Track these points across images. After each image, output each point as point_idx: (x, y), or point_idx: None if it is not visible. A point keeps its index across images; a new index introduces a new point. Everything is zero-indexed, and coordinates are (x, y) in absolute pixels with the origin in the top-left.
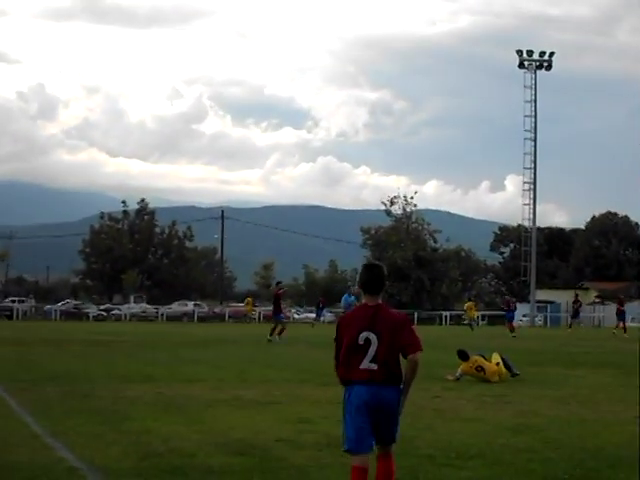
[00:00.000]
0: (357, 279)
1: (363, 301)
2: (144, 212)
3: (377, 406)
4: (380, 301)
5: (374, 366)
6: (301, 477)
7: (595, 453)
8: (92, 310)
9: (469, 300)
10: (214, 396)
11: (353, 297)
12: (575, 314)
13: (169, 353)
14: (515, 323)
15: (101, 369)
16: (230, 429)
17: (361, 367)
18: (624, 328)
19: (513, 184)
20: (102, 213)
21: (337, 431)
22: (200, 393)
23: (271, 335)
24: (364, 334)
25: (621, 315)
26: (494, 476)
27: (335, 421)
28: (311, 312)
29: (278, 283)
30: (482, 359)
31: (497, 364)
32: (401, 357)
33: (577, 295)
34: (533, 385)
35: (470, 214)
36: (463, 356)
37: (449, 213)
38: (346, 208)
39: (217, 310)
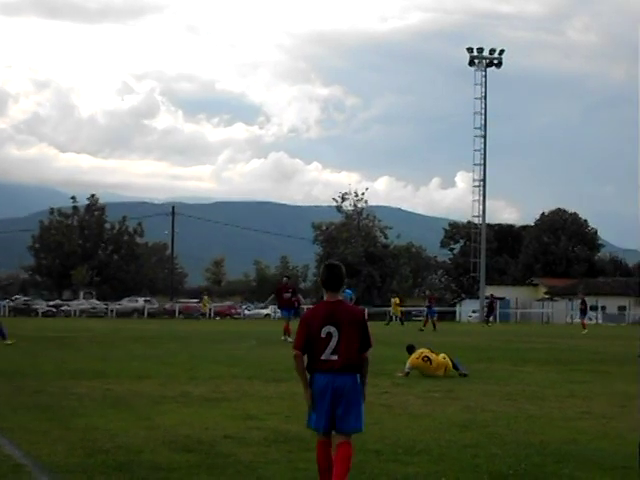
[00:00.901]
0: (319, 277)
1: (325, 297)
2: (94, 208)
3: (336, 392)
4: (340, 297)
5: (334, 357)
6: (248, 473)
7: (540, 449)
8: (41, 306)
9: (395, 296)
10: (162, 392)
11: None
12: (582, 313)
13: (119, 349)
14: (465, 319)
15: (50, 365)
16: (177, 425)
17: (322, 358)
18: (584, 324)
19: (463, 181)
20: (52, 209)
21: (285, 427)
22: (148, 390)
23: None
24: (326, 328)
25: (583, 312)
26: (440, 472)
27: (283, 417)
28: (262, 308)
29: (286, 277)
30: (429, 351)
31: (444, 358)
32: None
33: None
34: (481, 381)
35: (421, 211)
36: (411, 350)
37: (400, 209)
38: (298, 204)
39: (167, 306)
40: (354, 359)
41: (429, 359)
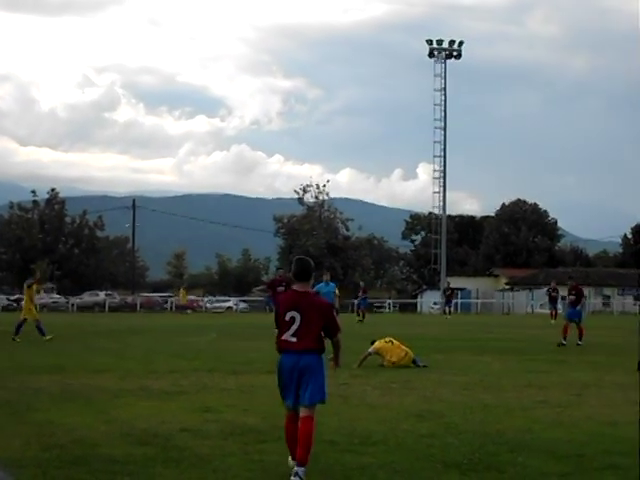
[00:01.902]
0: (291, 270)
1: (294, 287)
2: (54, 202)
3: (295, 369)
4: (308, 288)
5: (293, 339)
6: (203, 465)
7: (496, 438)
8: (1, 300)
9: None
10: (121, 386)
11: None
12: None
13: (78, 343)
14: (426, 310)
15: (8, 360)
16: (135, 419)
17: (283, 338)
18: (554, 314)
19: (425, 172)
20: (11, 203)
21: (242, 420)
22: (107, 384)
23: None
24: (290, 313)
25: (553, 302)
26: (394, 462)
27: (241, 410)
28: (225, 301)
29: (281, 269)
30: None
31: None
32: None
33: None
34: (439, 371)
35: (383, 202)
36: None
37: (362, 202)
38: (260, 197)
39: (129, 300)
40: (313, 342)
41: (392, 341)
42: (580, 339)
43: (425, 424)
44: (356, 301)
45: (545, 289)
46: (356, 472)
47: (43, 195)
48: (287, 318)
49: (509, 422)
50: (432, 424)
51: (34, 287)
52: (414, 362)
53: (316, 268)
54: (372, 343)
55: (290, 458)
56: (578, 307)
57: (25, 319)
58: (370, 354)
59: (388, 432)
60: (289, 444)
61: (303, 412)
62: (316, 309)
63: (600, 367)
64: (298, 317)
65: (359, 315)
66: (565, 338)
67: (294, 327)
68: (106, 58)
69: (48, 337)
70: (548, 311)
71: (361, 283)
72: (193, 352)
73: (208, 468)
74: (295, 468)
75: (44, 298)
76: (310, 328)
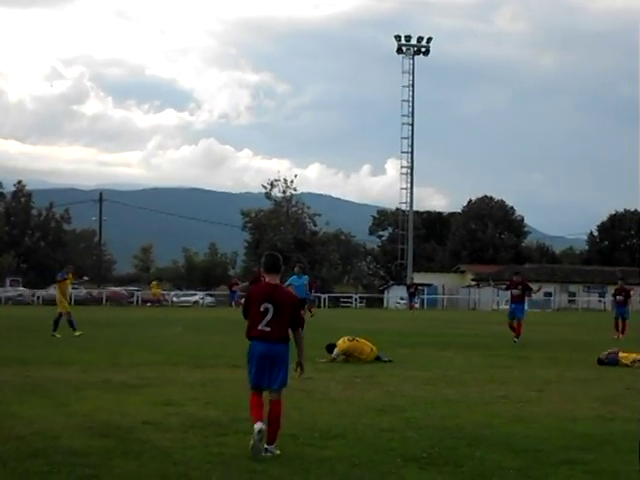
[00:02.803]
0: (262, 264)
1: (266, 279)
2: (21, 194)
3: (268, 356)
4: (278, 281)
5: (268, 328)
6: (163, 458)
7: (455, 432)
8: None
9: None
10: (83, 379)
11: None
12: None
13: (42, 336)
14: (392, 305)
15: None
16: (96, 412)
17: (259, 328)
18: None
19: (394, 168)
20: None
21: (204, 413)
22: (69, 376)
23: None
24: (264, 304)
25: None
26: (354, 455)
27: (203, 403)
28: (192, 295)
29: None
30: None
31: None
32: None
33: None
34: (403, 366)
35: (351, 198)
36: (331, 349)
37: (331, 197)
38: (228, 191)
39: (95, 293)
40: (284, 332)
41: (354, 338)
42: (518, 337)
43: (386, 418)
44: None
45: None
46: (315, 465)
47: (9, 187)
48: (261, 309)
49: (469, 417)
50: (393, 418)
51: (68, 281)
52: (378, 358)
53: (284, 263)
54: (329, 348)
55: (255, 423)
56: (524, 303)
57: (61, 313)
58: (335, 359)
59: (349, 426)
60: (254, 411)
61: (273, 396)
62: (287, 301)
63: (562, 363)
64: (271, 308)
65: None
66: (517, 335)
67: (268, 317)
68: (74, 50)
69: (78, 333)
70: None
71: (233, 278)
72: (158, 346)
73: (169, 461)
74: (266, 446)
75: (9, 291)
76: (281, 319)
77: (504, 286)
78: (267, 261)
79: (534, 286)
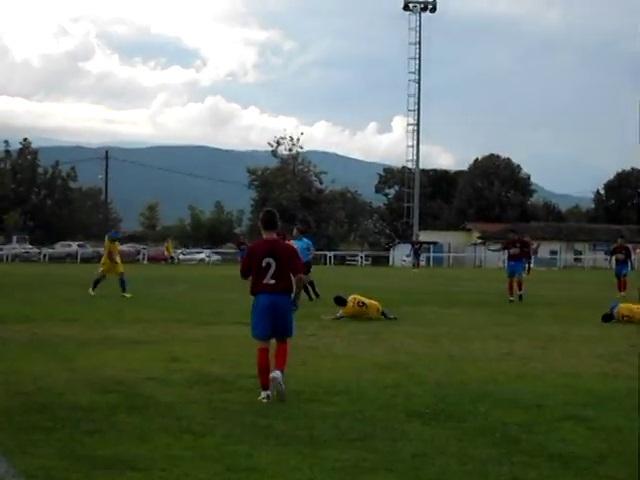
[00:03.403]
0: (258, 221)
1: (264, 236)
2: (27, 152)
3: (274, 308)
4: (275, 236)
5: (272, 281)
6: (166, 413)
7: (459, 388)
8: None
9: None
10: (88, 335)
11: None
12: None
13: (48, 294)
14: (398, 263)
15: None
16: (101, 368)
17: (264, 282)
18: (528, 269)
19: (400, 126)
20: None
21: (209, 369)
22: (74, 333)
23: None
24: (266, 259)
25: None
26: (357, 411)
27: (208, 359)
28: (198, 253)
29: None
30: (360, 296)
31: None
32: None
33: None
34: (408, 324)
35: (357, 155)
36: (341, 302)
37: (337, 155)
38: (234, 149)
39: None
40: (287, 284)
41: (364, 304)
42: (519, 290)
43: (390, 375)
44: None
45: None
46: (318, 421)
47: (16, 145)
48: (263, 264)
49: (473, 373)
50: (397, 375)
51: (117, 242)
52: (383, 314)
53: (287, 220)
54: (336, 301)
55: (262, 390)
56: (522, 261)
57: (122, 273)
58: (339, 318)
59: (352, 382)
60: (262, 376)
61: (281, 342)
62: (287, 254)
63: (567, 320)
64: (273, 263)
65: None
66: (512, 294)
67: (271, 271)
68: (80, 8)
69: (128, 294)
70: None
71: (240, 236)
72: (163, 303)
73: (172, 416)
74: (274, 373)
75: (16, 248)
76: (284, 271)
77: (498, 246)
78: (264, 218)
79: (534, 243)
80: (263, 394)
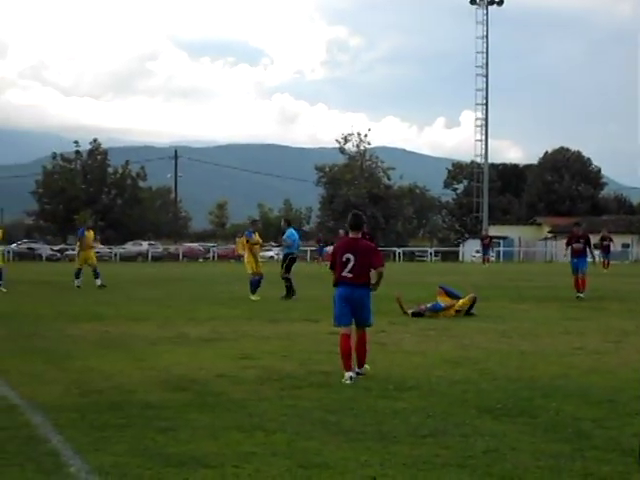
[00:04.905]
0: (347, 222)
1: (350, 235)
2: (97, 152)
3: (352, 298)
4: (359, 235)
5: (350, 275)
6: (238, 410)
7: (530, 384)
8: (45, 251)
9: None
10: (159, 334)
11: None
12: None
13: (119, 293)
14: (468, 259)
15: (49, 309)
16: (172, 366)
17: (343, 274)
18: (607, 264)
19: (469, 120)
20: (54, 154)
21: (279, 366)
22: (146, 331)
23: None
24: (346, 255)
25: (605, 251)
26: (427, 407)
27: (279, 356)
28: (267, 251)
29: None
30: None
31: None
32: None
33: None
34: (477, 319)
35: (425, 151)
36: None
37: (405, 150)
38: (302, 146)
39: (171, 250)
40: (364, 278)
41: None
42: (583, 291)
43: (460, 370)
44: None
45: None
46: (389, 417)
47: (86, 146)
48: (344, 259)
49: (544, 368)
50: (467, 370)
51: (257, 244)
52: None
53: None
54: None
55: (345, 372)
56: (587, 257)
57: (260, 274)
58: (421, 313)
59: (422, 378)
60: (344, 359)
61: (359, 331)
62: (366, 251)
63: None
64: (352, 258)
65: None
66: (579, 290)
67: (349, 265)
68: (149, 8)
69: (255, 297)
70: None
71: (320, 234)
72: (233, 300)
73: (243, 412)
74: (356, 369)
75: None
76: (361, 266)
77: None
78: (350, 220)
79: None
80: (346, 375)
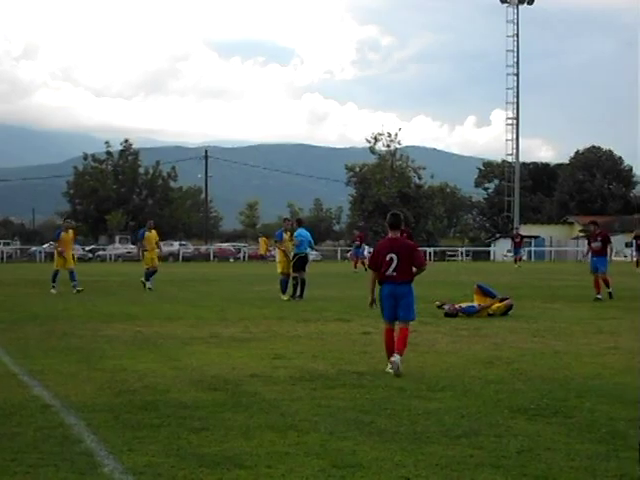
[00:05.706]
0: (386, 221)
1: (390, 235)
2: (128, 153)
3: (396, 295)
4: (399, 234)
5: (394, 273)
6: (271, 410)
7: (564, 384)
8: (77, 251)
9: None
10: (192, 334)
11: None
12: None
13: (151, 293)
14: (499, 258)
15: (82, 309)
16: (205, 366)
17: (387, 273)
18: (638, 262)
19: (500, 119)
20: (85, 154)
21: (311, 365)
22: (178, 331)
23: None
24: (389, 255)
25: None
26: (461, 407)
27: (310, 356)
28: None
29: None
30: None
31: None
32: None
33: None
34: (510, 319)
35: (456, 150)
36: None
37: (435, 150)
38: (332, 146)
39: (202, 250)
40: (407, 276)
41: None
42: (607, 288)
43: (493, 370)
44: (356, 250)
45: (621, 236)
46: (422, 417)
47: (117, 146)
48: (387, 259)
49: (578, 368)
50: (501, 370)
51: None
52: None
53: (386, 217)
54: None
55: (389, 363)
56: (606, 256)
57: (289, 274)
58: (454, 313)
59: (456, 378)
60: (388, 351)
61: (401, 325)
62: (407, 250)
63: None
64: (395, 258)
65: (355, 266)
66: (599, 292)
67: (393, 265)
68: (179, 9)
69: (285, 297)
70: (627, 258)
71: (355, 231)
72: (264, 300)
73: (276, 412)
74: (394, 357)
75: (119, 248)
76: (404, 265)
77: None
78: (389, 219)
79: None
80: (389, 366)
